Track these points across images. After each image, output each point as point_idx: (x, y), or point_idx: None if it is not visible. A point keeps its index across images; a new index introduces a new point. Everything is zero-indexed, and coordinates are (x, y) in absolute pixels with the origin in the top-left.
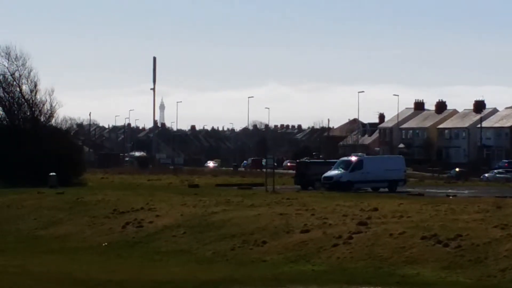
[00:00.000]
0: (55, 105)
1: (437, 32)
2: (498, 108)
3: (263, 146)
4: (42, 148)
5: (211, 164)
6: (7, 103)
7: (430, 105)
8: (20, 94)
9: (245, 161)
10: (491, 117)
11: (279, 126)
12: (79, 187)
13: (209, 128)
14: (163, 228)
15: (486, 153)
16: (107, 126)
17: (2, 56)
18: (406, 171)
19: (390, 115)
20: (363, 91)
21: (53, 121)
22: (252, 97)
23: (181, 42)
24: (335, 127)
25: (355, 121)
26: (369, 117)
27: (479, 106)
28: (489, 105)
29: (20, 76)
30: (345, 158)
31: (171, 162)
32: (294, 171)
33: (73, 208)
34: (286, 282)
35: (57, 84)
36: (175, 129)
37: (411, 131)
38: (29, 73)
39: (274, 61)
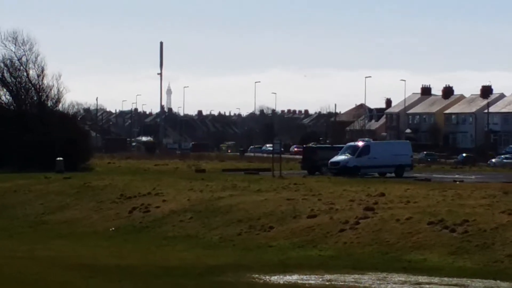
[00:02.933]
0: (62, 90)
1: (444, 17)
2: (505, 93)
3: (270, 131)
4: (49, 133)
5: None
6: (14, 88)
7: (437, 91)
8: (27, 79)
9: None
10: (498, 102)
11: (286, 111)
12: (86, 172)
13: (216, 113)
14: (170, 213)
15: (493, 139)
16: (114, 111)
17: (9, 41)
18: (413, 156)
19: (397, 100)
20: (370, 76)
21: (60, 106)
22: (259, 82)
23: (187, 27)
24: (342, 112)
25: (361, 106)
26: (376, 102)
27: (486, 91)
28: (496, 90)
29: (27, 60)
30: (352, 143)
31: (178, 147)
32: (301, 156)
33: (80, 193)
34: (293, 267)
35: (64, 69)
36: (182, 114)
37: (418, 116)
38: (36, 58)
39: (280, 47)
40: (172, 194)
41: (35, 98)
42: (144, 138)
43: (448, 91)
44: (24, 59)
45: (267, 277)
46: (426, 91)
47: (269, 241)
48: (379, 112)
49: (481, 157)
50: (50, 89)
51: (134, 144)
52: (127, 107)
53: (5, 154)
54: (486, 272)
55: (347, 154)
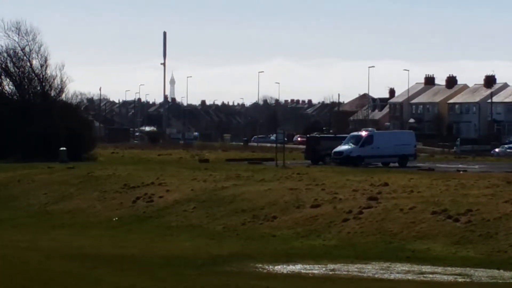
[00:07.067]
0: (66, 80)
1: (448, 7)
2: (508, 83)
3: (273, 121)
4: (52, 123)
5: None
6: (17, 78)
7: (440, 80)
8: (30, 69)
9: None
10: (502, 92)
11: (289, 101)
12: (90, 162)
13: (219, 103)
14: (173, 203)
15: (496, 128)
16: (117, 101)
17: (12, 31)
18: (416, 146)
19: (400, 90)
20: (373, 66)
21: (63, 96)
22: (263, 72)
23: (190, 17)
24: (345, 102)
25: (365, 96)
26: (379, 92)
27: (490, 81)
28: (499, 80)
29: (30, 50)
30: (356, 133)
31: (182, 137)
32: (304, 146)
33: (83, 183)
34: (297, 257)
35: (68, 59)
36: (185, 104)
37: (421, 106)
38: (39, 48)
39: (283, 36)
40: (176, 184)
41: (39, 88)
42: (147, 128)
43: (451, 81)
44: (27, 49)
45: (270, 266)
46: (429, 80)
47: (272, 231)
48: (383, 102)
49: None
50: (54, 79)
51: (137, 134)
52: (130, 97)
53: (9, 144)
54: (489, 261)
55: (351, 144)
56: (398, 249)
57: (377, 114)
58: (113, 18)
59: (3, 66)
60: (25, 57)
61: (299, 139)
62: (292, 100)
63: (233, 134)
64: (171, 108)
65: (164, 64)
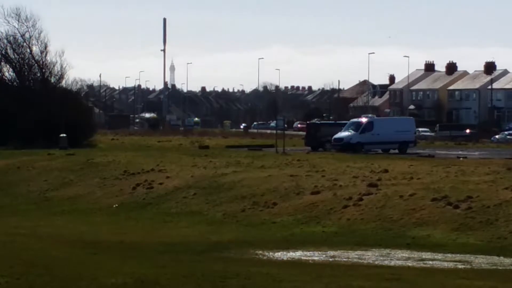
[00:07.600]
0: (66, 66)
1: None
2: (508, 70)
3: (273, 108)
4: (52, 109)
5: None
6: (17, 65)
7: (440, 67)
8: (30, 55)
9: None
10: (502, 78)
11: (289, 87)
12: (90, 148)
13: (219, 89)
14: (173, 190)
15: (496, 115)
16: (117, 88)
17: (12, 17)
18: (416, 133)
19: (400, 77)
20: (373, 53)
21: (63, 83)
22: (262, 58)
23: (190, 3)
24: (345, 88)
25: (365, 83)
26: (379, 78)
27: (490, 67)
28: (499, 66)
29: (30, 37)
30: (355, 119)
31: (182, 123)
32: (304, 133)
33: (83, 169)
34: (297, 243)
35: (68, 46)
36: (185, 90)
37: (421, 93)
38: (39, 34)
39: (283, 23)
40: (176, 170)
41: (39, 75)
42: (147, 115)
43: (451, 67)
44: (27, 35)
45: (270, 253)
46: (429, 67)
47: (272, 218)
48: (383, 88)
49: (484, 133)
50: (53, 66)
51: (137, 120)
52: (130, 83)
53: (9, 131)
54: (489, 248)
55: (351, 131)
56: (398, 235)
57: (377, 101)
58: (113, 4)
59: (3, 52)
60: (25, 44)
61: (299, 125)
62: (292, 87)
63: (233, 120)
64: (171, 95)
65: (164, 50)
